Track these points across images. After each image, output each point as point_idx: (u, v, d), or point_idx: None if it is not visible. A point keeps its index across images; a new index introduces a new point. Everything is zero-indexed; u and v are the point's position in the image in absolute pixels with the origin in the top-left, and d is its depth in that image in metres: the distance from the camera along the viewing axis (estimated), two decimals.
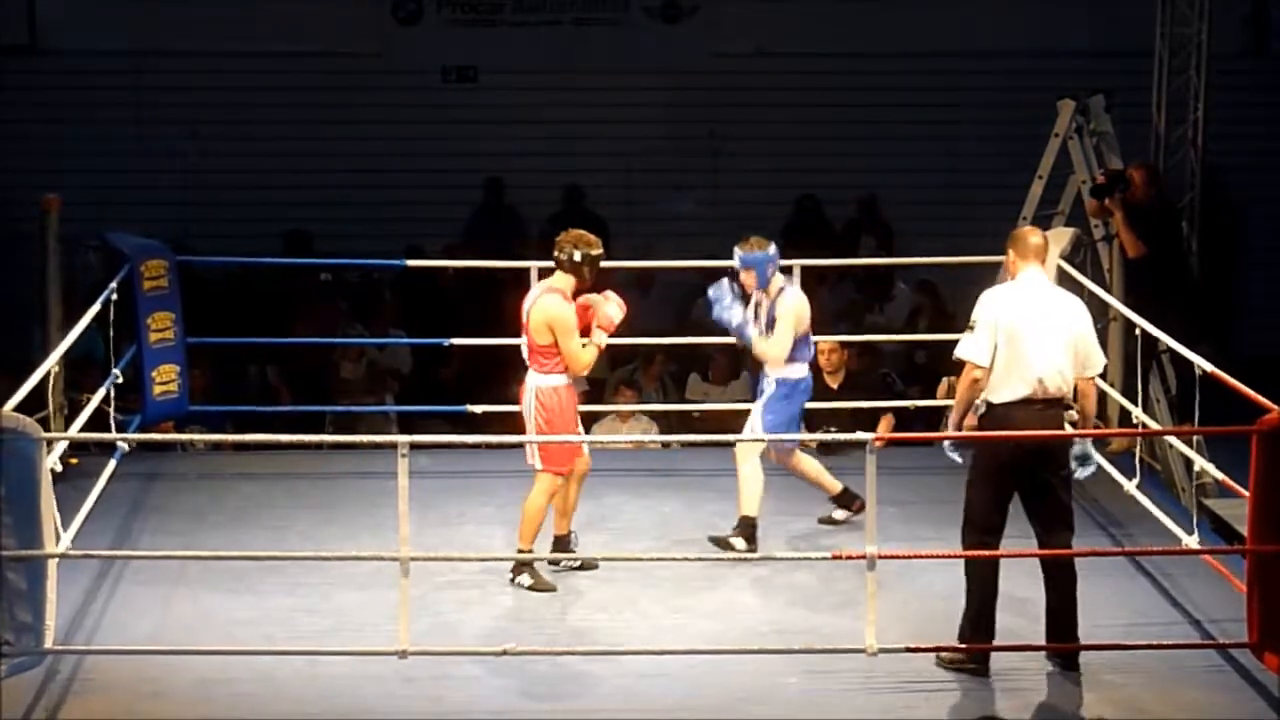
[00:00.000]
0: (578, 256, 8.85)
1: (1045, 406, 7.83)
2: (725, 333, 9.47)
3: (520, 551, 8.82)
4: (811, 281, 12.78)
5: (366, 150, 15.73)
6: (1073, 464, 7.96)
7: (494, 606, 8.69)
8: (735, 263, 9.36)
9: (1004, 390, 7.82)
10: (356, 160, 15.71)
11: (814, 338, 11.09)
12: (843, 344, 11.68)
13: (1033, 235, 8.10)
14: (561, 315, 8.78)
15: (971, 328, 7.86)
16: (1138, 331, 9.73)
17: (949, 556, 8.15)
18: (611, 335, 8.99)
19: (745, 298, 9.39)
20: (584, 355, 8.83)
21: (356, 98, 15.79)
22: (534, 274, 10.80)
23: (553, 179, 15.83)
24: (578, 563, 9.09)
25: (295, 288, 14.32)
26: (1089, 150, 11.40)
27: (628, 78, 15.91)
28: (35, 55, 15.65)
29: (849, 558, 7.86)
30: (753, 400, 9.60)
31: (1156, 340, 9.75)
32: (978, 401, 7.89)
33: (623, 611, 8.66)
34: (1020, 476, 7.89)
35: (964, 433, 7.95)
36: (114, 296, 10.16)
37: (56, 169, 14.48)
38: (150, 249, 10.88)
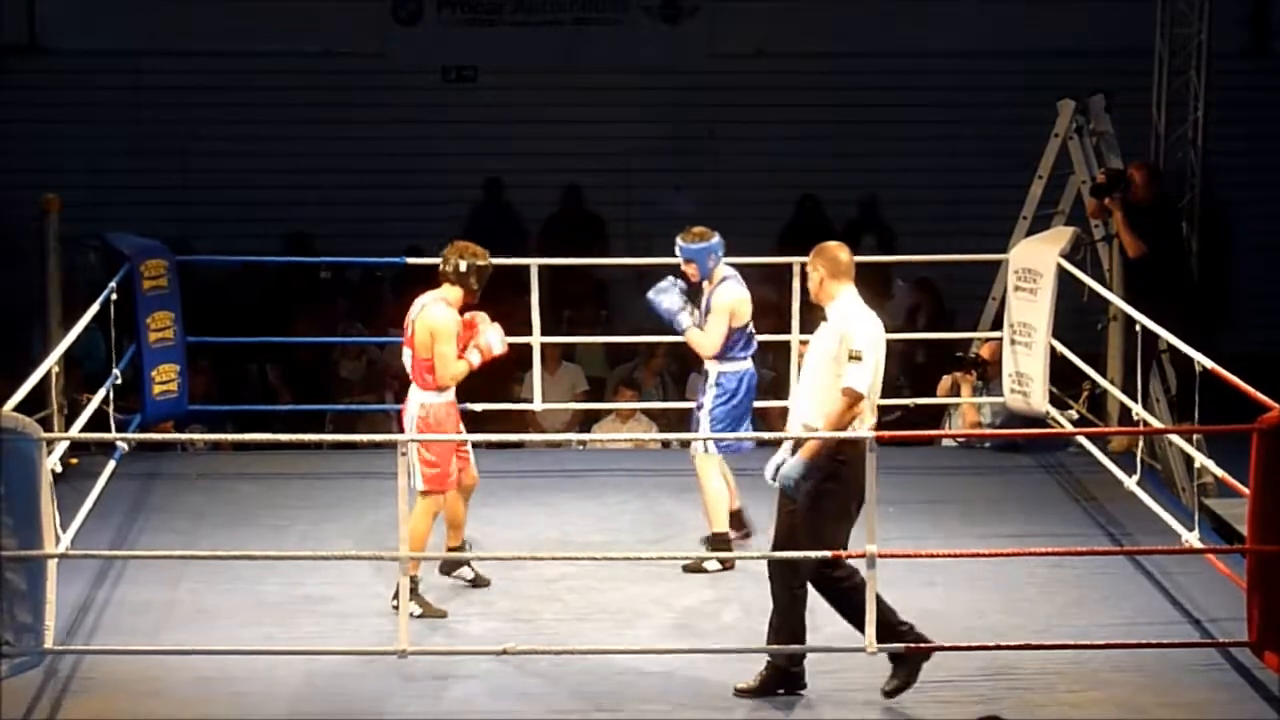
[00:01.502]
0: (463, 266, 8.60)
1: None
2: None
3: (412, 578, 8.37)
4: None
5: (366, 150, 15.74)
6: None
7: (494, 606, 8.69)
8: (677, 254, 9.24)
9: (869, 416, 7.62)
10: (356, 160, 15.72)
11: (809, 337, 11.00)
12: None
13: (843, 251, 7.79)
14: (442, 323, 8.52)
15: (859, 357, 7.55)
16: (1138, 330, 9.73)
17: (949, 556, 8.15)
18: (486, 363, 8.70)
19: (693, 291, 9.25)
20: (455, 365, 8.53)
21: (356, 98, 15.80)
22: (534, 273, 10.83)
23: (552, 179, 15.85)
24: (471, 575, 8.84)
25: (295, 287, 14.33)
26: (1089, 150, 11.41)
27: (628, 78, 15.92)
28: (35, 55, 15.66)
29: (849, 557, 7.85)
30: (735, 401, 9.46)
31: (1156, 339, 9.75)
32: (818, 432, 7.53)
33: (622, 611, 8.66)
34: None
35: (954, 432, 7.92)
36: (114, 296, 10.16)
37: (56, 169, 14.49)
38: (150, 249, 10.88)
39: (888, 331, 7.65)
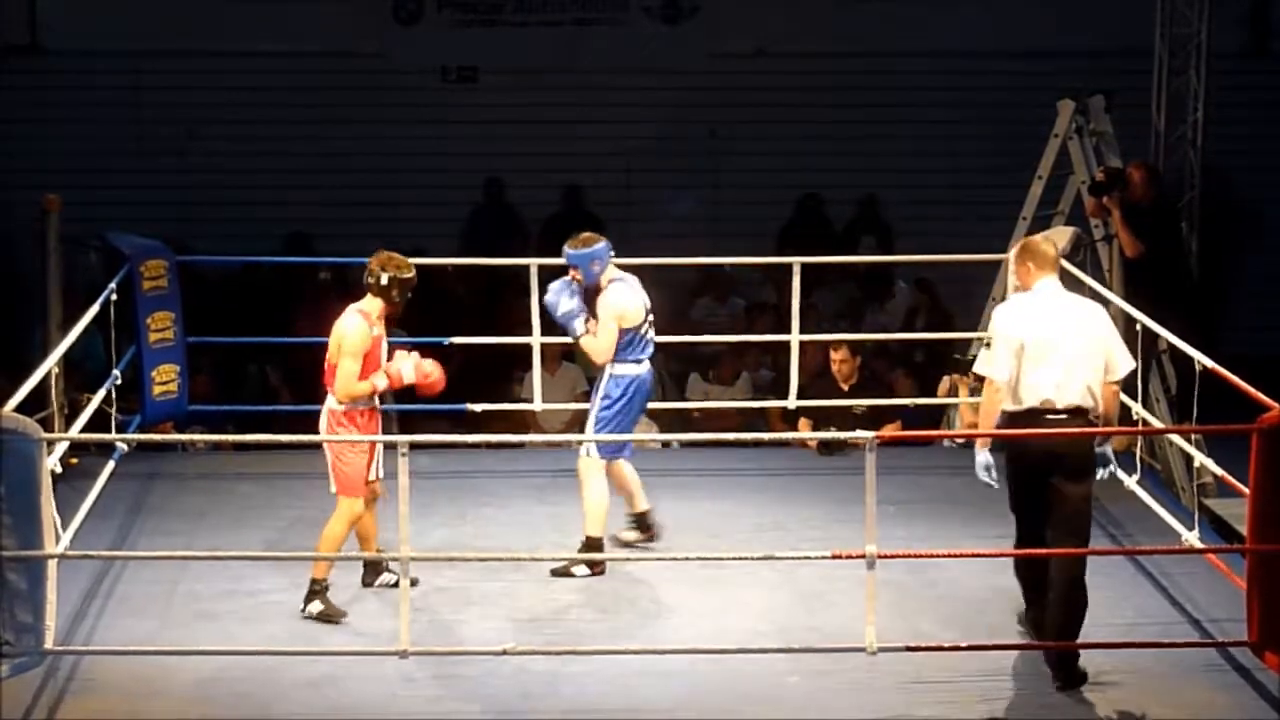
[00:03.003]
0: (384, 279, 8.59)
1: (1068, 416, 7.75)
2: (726, 331, 9.41)
3: (313, 580, 8.49)
4: (811, 281, 12.79)
5: (366, 150, 15.73)
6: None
7: (493, 606, 8.69)
8: (565, 260, 9.13)
9: (1020, 400, 7.76)
10: (356, 160, 15.71)
11: (808, 337, 10.99)
12: (853, 352, 11.56)
13: (1046, 245, 8.09)
14: (350, 335, 8.50)
15: (989, 344, 7.82)
16: (1138, 329, 9.73)
17: (948, 556, 8.16)
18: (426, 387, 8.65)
19: (589, 295, 9.13)
20: (353, 385, 8.46)
21: (356, 98, 15.79)
22: (534, 273, 10.82)
23: (553, 179, 15.83)
24: (394, 580, 8.64)
25: (295, 287, 14.32)
26: (1089, 150, 11.41)
27: (628, 78, 15.90)
28: (35, 55, 15.66)
29: (849, 556, 7.86)
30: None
31: (1156, 339, 9.75)
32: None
33: (622, 611, 8.66)
34: (1036, 482, 7.81)
35: (954, 432, 7.92)
36: (114, 296, 10.16)
37: (56, 169, 14.49)
38: (150, 249, 10.89)
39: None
